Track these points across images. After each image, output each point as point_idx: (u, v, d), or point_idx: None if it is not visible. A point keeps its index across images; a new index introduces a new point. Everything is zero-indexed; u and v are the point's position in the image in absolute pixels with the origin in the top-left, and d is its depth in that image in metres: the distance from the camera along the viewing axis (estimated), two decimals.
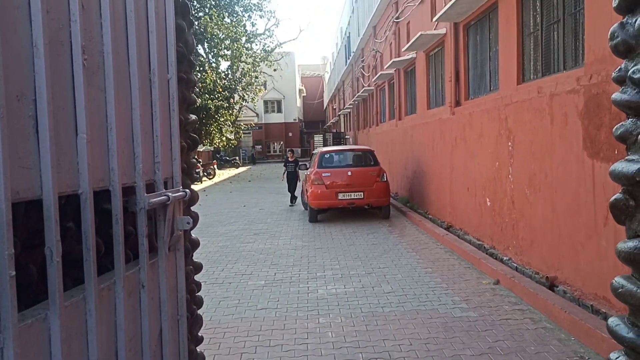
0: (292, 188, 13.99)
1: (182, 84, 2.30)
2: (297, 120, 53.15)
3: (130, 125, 1.71)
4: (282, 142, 50.90)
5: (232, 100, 25.09)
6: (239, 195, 17.46)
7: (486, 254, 6.97)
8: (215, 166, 27.29)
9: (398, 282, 6.13)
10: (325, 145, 30.65)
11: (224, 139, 25.89)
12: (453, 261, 7.09)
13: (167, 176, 2.02)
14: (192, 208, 2.45)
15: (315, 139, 34.58)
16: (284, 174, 14.44)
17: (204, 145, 27.55)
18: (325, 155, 11.54)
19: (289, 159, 14.24)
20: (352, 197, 10.66)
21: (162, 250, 1.93)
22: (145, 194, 1.74)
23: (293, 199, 14.01)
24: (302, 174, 13.35)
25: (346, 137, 32.50)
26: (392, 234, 9.36)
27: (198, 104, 18.74)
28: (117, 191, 1.57)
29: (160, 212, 1.91)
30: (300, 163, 13.79)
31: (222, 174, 29.53)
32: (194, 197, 2.36)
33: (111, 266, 1.63)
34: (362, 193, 10.65)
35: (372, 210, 11.59)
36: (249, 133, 47.24)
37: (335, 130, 40.78)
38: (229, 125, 25.91)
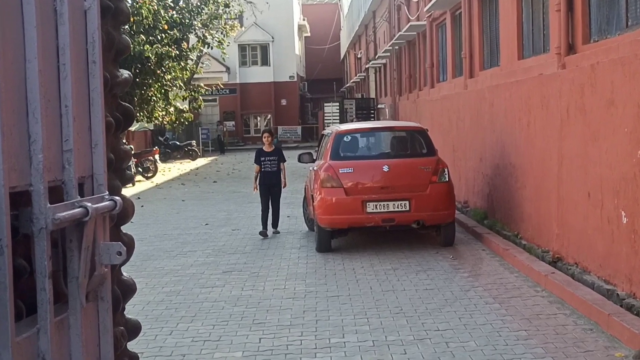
0: (271, 202, 12.82)
1: (108, 17, 2.32)
2: (295, 79, 53.28)
3: (22, 87, 1.72)
4: (269, 116, 51.12)
5: (184, 44, 25.19)
6: (198, 206, 17.53)
7: (621, 306, 6.94)
8: (156, 157, 27.34)
9: (470, 354, 6.13)
10: (344, 120, 30.71)
11: (171, 110, 25.98)
12: (564, 319, 7.07)
13: (84, 174, 2.03)
14: (124, 227, 2.46)
15: (327, 110, 34.77)
16: (256, 178, 13.17)
17: (138, 122, 27.70)
18: (345, 139, 11.54)
19: (265, 149, 13.10)
20: (391, 209, 10.64)
21: (75, 300, 1.94)
22: (49, 204, 1.75)
23: (275, 221, 12.85)
24: (305, 169, 13.34)
25: (379, 106, 32.59)
26: (459, 271, 9.36)
27: (131, 52, 18.83)
28: (2, 199, 1.58)
29: (73, 234, 1.92)
30: (302, 153, 13.56)
31: (167, 170, 29.70)
32: (127, 210, 2.38)
33: None
34: (407, 202, 10.63)
35: (425, 232, 11.57)
36: (215, 100, 47.44)
37: (361, 95, 40.91)
38: (180, 87, 26.02)
